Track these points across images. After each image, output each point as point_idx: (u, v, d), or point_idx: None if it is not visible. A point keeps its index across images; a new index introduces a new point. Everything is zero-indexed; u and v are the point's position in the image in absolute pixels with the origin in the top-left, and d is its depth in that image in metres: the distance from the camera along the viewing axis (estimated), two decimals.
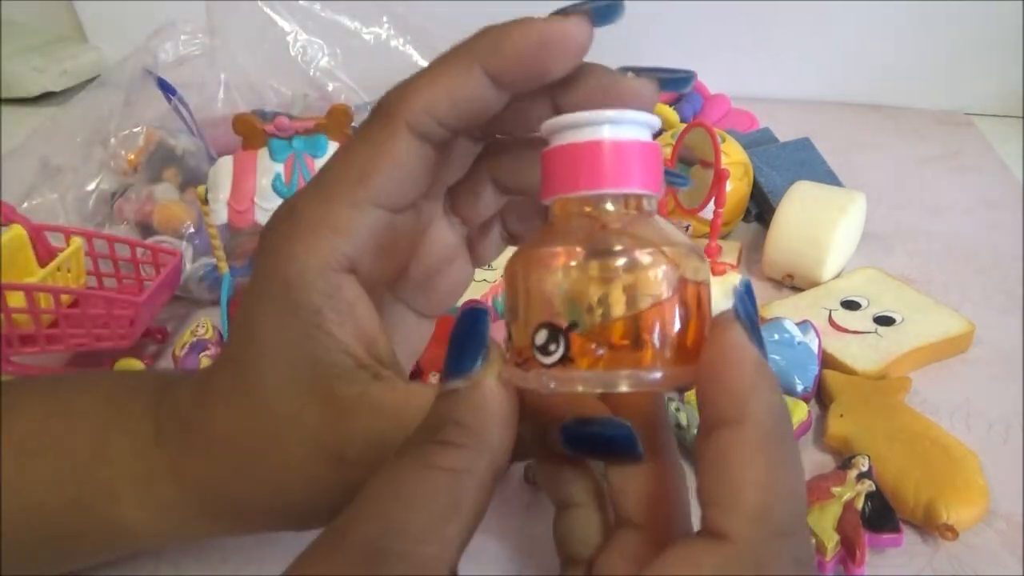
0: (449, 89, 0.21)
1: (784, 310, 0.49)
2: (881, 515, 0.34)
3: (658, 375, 0.18)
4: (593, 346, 0.18)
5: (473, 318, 0.19)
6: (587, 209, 0.19)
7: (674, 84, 0.22)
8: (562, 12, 0.21)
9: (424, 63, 0.24)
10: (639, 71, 0.22)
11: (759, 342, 0.17)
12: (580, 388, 0.18)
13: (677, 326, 0.18)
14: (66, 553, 0.27)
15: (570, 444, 0.20)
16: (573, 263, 0.18)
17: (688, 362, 0.18)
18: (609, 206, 0.19)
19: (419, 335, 0.29)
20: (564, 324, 0.18)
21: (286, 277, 0.22)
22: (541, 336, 0.18)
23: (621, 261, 0.18)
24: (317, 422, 0.22)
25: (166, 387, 0.26)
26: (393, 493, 0.18)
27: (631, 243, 0.18)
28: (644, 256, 0.18)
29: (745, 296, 0.18)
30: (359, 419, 0.21)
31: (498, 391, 0.19)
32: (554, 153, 0.20)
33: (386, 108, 0.22)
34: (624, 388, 0.18)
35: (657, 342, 0.18)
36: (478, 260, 0.28)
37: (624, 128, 0.19)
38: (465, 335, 0.19)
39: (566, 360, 0.18)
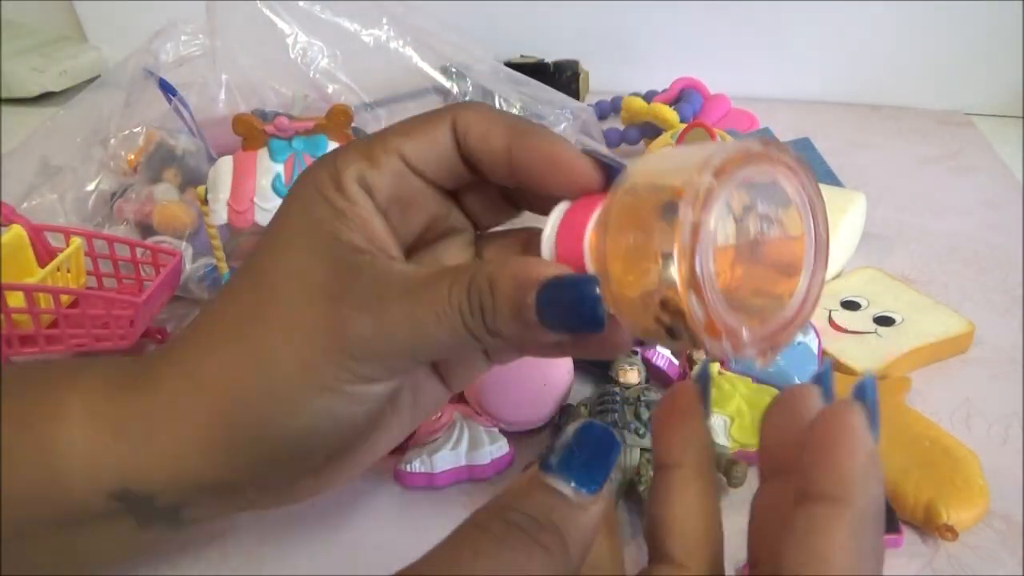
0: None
1: None
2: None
3: None
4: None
5: (609, 441, 0.20)
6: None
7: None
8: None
9: (424, 64, 0.24)
10: (587, 152, 0.24)
11: (875, 435, 0.19)
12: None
13: None
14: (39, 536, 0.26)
15: (545, 306, 0.22)
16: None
17: None
18: None
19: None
20: None
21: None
22: None
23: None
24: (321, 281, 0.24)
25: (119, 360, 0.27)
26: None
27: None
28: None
29: (870, 389, 0.19)
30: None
31: (600, 516, 0.20)
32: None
33: None
34: None
35: None
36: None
37: None
38: (598, 452, 0.20)
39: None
